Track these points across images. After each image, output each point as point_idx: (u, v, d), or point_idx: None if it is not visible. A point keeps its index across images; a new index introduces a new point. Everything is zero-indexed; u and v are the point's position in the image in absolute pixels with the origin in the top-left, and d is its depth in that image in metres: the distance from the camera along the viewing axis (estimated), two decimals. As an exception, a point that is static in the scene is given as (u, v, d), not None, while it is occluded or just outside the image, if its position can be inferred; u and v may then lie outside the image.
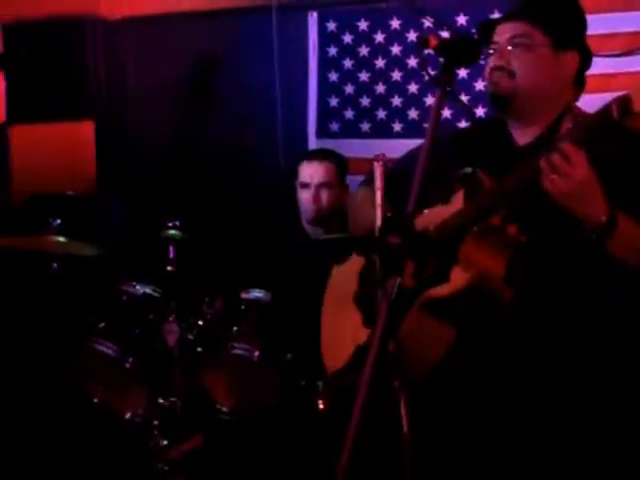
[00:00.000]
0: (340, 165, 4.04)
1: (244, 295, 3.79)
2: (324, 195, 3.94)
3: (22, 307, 4.27)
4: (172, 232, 3.91)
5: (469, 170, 2.51)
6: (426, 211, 2.51)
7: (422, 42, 2.12)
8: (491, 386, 2.52)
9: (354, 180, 3.78)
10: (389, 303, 1.98)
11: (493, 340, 2.50)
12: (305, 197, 3.96)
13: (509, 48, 2.51)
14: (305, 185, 3.96)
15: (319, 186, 3.94)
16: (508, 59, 2.51)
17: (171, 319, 3.77)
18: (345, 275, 2.80)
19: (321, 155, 4.06)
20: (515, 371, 2.50)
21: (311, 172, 3.96)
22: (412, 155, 2.81)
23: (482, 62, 2.46)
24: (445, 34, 4.54)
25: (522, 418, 2.47)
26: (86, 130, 5.41)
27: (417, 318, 2.44)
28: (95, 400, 3.81)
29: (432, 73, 2.17)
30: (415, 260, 2.31)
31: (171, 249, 3.89)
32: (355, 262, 2.76)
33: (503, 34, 2.54)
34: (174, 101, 5.19)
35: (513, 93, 2.51)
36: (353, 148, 4.85)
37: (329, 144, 4.80)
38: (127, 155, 5.47)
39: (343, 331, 2.71)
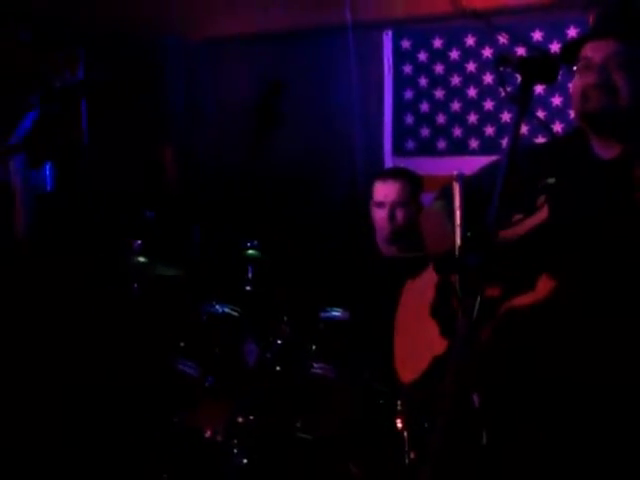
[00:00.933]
0: (414, 183, 4.04)
1: (322, 314, 3.80)
2: (399, 214, 3.93)
3: (104, 327, 4.34)
4: (251, 252, 3.95)
5: (552, 180, 2.50)
6: (508, 225, 2.50)
7: (500, 60, 2.11)
8: (578, 391, 2.48)
9: (430, 198, 3.78)
10: (470, 321, 1.97)
11: (577, 346, 2.46)
12: (380, 216, 3.96)
13: (608, 65, 2.48)
14: (380, 204, 3.96)
15: (394, 205, 3.94)
16: (607, 76, 2.48)
17: (250, 338, 3.80)
18: (420, 286, 2.80)
19: (395, 174, 4.06)
20: (600, 375, 2.45)
21: (386, 191, 3.96)
22: (488, 171, 2.80)
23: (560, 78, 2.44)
24: (521, 50, 4.54)
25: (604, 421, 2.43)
26: (165, 152, 5.50)
27: (499, 327, 2.43)
28: (175, 419, 3.85)
29: (509, 90, 2.16)
30: (498, 274, 2.30)
31: (250, 269, 3.93)
32: (430, 273, 2.76)
33: (598, 51, 2.50)
34: (252, 122, 5.23)
35: (613, 110, 2.47)
36: (429, 166, 4.84)
37: (405, 162, 4.80)
38: (205, 176, 5.54)
39: (419, 342, 2.71)
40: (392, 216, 3.92)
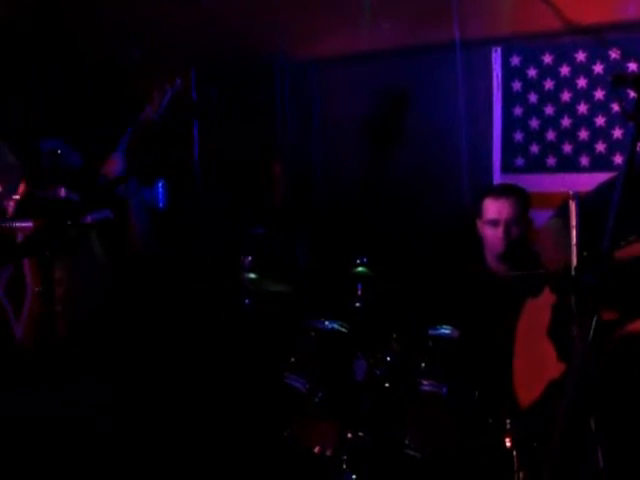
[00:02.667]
0: (524, 200, 4.02)
1: (431, 331, 3.81)
2: (513, 231, 3.92)
3: (216, 341, 4.41)
4: (360, 269, 3.99)
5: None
6: (623, 246, 2.47)
7: (617, 80, 2.09)
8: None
9: (540, 216, 3.76)
10: (586, 343, 1.96)
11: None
12: (493, 234, 3.95)
13: None
14: (493, 222, 3.94)
15: (508, 222, 3.92)
16: None
17: (359, 355, 3.83)
18: (538, 306, 2.77)
19: (507, 191, 4.05)
20: None
21: (499, 209, 3.95)
22: (603, 190, 2.78)
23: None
24: (633, 66, 4.46)
25: None
26: (274, 169, 5.58)
27: (616, 352, 2.40)
28: (285, 433, 3.89)
29: (624, 106, 2.14)
30: (614, 296, 2.27)
31: (359, 286, 3.96)
32: (548, 293, 2.74)
33: None
34: (360, 140, 5.28)
35: None
36: (538, 183, 4.81)
37: (514, 179, 4.78)
38: (313, 192, 5.60)
39: (536, 364, 2.69)
40: (506, 234, 3.91)
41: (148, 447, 3.70)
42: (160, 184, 5.25)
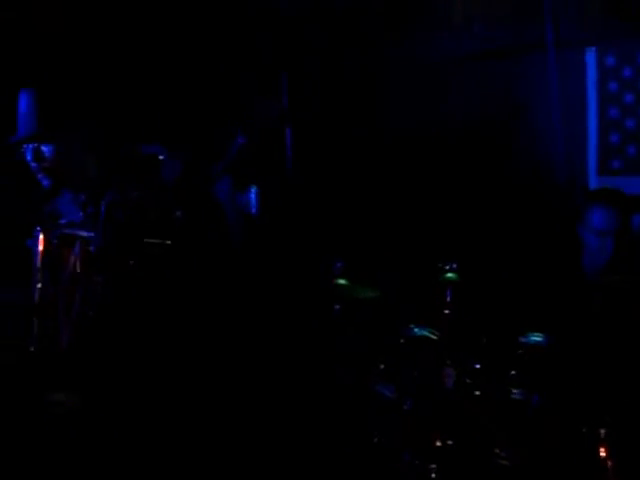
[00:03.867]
0: (630, 207, 3.95)
1: (522, 339, 3.75)
2: (620, 241, 3.85)
3: (305, 347, 4.42)
4: (449, 275, 3.95)
5: None
6: None
7: None
8: None
9: (637, 219, 3.69)
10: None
11: None
12: (599, 244, 3.88)
13: None
14: (600, 232, 3.87)
15: (616, 233, 3.85)
16: None
17: (448, 362, 3.79)
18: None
19: (615, 200, 3.95)
20: None
21: (607, 219, 3.89)
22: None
23: None
24: None
25: None
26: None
27: None
28: (375, 440, 3.88)
29: None
30: None
31: (448, 292, 3.93)
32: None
33: None
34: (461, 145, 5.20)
35: None
36: (636, 186, 4.69)
37: (610, 182, 4.67)
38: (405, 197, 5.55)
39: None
40: (614, 244, 3.84)
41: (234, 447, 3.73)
42: (253, 190, 5.30)
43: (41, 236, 3.24)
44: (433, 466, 3.69)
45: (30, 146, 3.34)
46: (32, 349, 3.19)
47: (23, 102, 3.49)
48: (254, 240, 4.96)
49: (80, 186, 3.49)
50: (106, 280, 3.14)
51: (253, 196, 5.30)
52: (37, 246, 3.26)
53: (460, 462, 3.71)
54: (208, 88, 5.45)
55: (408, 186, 5.41)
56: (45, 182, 3.45)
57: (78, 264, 3.18)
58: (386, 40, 5.49)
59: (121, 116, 4.96)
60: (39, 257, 3.23)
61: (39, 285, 3.18)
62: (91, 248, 3.18)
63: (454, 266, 3.95)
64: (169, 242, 3.40)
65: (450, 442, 3.72)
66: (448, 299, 3.94)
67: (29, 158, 3.39)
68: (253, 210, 5.32)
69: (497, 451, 3.68)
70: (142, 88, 5.28)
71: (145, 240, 3.31)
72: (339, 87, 5.60)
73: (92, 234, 3.22)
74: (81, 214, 3.45)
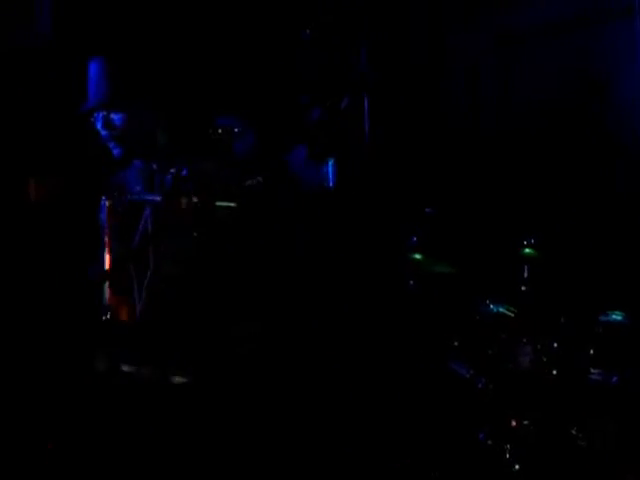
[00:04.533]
0: None
1: (602, 317, 3.63)
2: None
3: (378, 323, 4.36)
4: (527, 250, 3.84)
5: None
6: None
7: None
8: None
9: None
10: None
11: None
12: None
13: None
14: None
15: None
16: None
17: (525, 340, 3.69)
18: None
19: None
20: None
21: None
22: None
23: None
24: None
25: None
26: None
27: None
28: (448, 419, 3.81)
29: None
30: None
31: (526, 268, 3.82)
32: None
33: None
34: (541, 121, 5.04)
35: None
36: None
37: None
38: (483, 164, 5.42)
39: None
40: None
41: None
42: (330, 162, 5.23)
43: (107, 205, 3.23)
44: (508, 446, 3.61)
45: (101, 114, 3.32)
46: (104, 318, 3.18)
47: (93, 70, 3.48)
48: (329, 213, 4.91)
49: (150, 155, 3.46)
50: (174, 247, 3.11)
51: (330, 169, 5.24)
52: (104, 216, 3.25)
53: (536, 443, 3.62)
54: (284, 58, 5.39)
55: (487, 161, 5.29)
56: (116, 151, 3.43)
57: (148, 229, 3.16)
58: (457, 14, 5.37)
59: (195, 86, 4.94)
60: (107, 227, 3.23)
61: (107, 255, 3.17)
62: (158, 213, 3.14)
63: (532, 241, 3.83)
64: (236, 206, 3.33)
65: (526, 422, 3.64)
66: (525, 275, 3.82)
67: (99, 126, 3.37)
68: (330, 183, 5.26)
69: (574, 432, 3.58)
70: (217, 58, 5.25)
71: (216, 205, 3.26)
72: (412, 62, 5.50)
73: (158, 198, 3.19)
74: (149, 184, 3.42)
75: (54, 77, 4.87)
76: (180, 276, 3.05)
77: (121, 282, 3.11)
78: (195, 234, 3.04)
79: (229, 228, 3.14)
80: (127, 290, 3.09)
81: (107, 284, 3.20)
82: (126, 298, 3.09)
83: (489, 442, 3.66)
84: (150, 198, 3.18)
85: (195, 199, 3.06)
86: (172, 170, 3.31)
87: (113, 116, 3.27)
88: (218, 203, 3.19)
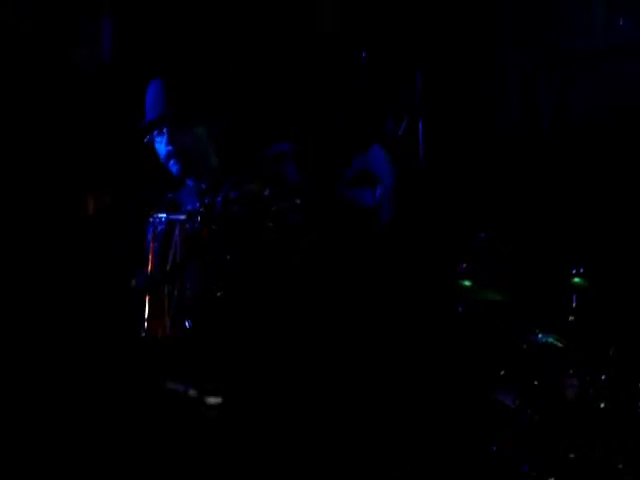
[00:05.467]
0: None
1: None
2: None
3: (425, 347, 4.31)
4: (576, 280, 3.76)
5: None
6: None
7: None
8: None
9: None
10: None
11: None
12: None
13: None
14: None
15: None
16: None
17: (571, 371, 3.61)
18: None
19: None
20: None
21: None
22: None
23: None
24: None
25: None
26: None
27: None
28: (493, 449, 3.74)
29: None
30: None
31: (574, 298, 3.74)
32: None
33: None
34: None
35: None
36: None
37: None
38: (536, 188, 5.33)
39: None
40: None
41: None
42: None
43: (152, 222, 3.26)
44: (552, 479, 3.54)
45: (165, 130, 3.36)
46: (142, 335, 3.21)
47: (152, 91, 3.53)
48: (380, 237, 4.88)
49: (202, 175, 3.49)
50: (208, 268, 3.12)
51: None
52: (150, 233, 3.29)
53: (581, 477, 3.54)
54: (342, 82, 5.40)
55: (536, 185, 5.21)
56: (174, 168, 3.47)
57: (178, 249, 3.18)
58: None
59: (251, 109, 4.97)
60: (150, 244, 3.27)
61: (148, 271, 3.21)
62: (188, 229, 3.16)
63: (582, 270, 3.75)
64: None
65: (572, 456, 3.56)
66: (574, 305, 3.75)
67: (164, 142, 3.40)
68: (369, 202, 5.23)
69: (621, 467, 3.49)
70: (275, 81, 5.28)
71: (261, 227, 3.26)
72: (467, 81, 5.46)
73: (183, 217, 3.21)
74: (198, 204, 3.45)
75: (113, 95, 4.96)
76: (208, 296, 3.06)
77: (156, 299, 3.14)
78: (226, 255, 3.04)
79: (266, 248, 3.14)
80: (160, 307, 3.12)
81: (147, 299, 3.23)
82: (159, 314, 3.11)
83: (533, 474, 3.59)
84: (176, 218, 3.20)
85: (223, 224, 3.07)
86: (221, 191, 3.33)
87: (176, 132, 3.30)
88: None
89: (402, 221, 5.22)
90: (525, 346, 3.83)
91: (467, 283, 4.18)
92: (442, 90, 5.39)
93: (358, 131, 4.95)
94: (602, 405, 3.59)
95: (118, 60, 5.27)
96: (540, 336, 3.82)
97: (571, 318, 3.75)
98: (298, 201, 3.27)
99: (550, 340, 3.80)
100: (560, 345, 3.77)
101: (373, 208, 4.79)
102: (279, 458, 3.18)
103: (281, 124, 5.28)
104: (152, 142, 3.51)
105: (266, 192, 3.41)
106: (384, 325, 4.16)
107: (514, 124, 5.37)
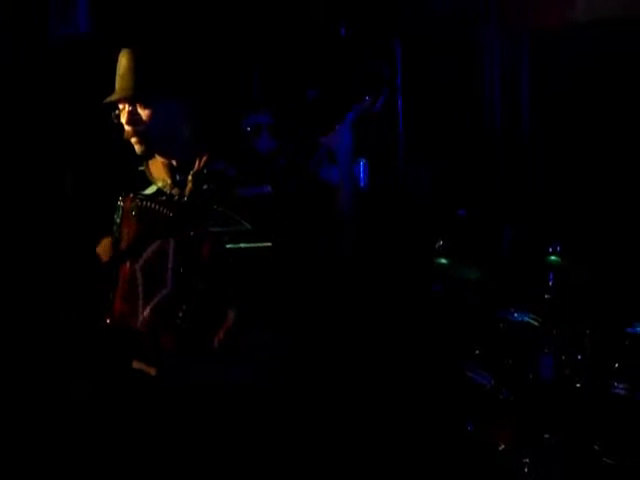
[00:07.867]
0: None
1: (629, 329, 3.51)
2: None
3: (401, 327, 4.27)
4: (552, 258, 3.72)
5: None
6: None
7: None
8: None
9: None
10: None
11: None
12: None
13: None
14: None
15: None
16: None
17: (547, 351, 3.57)
18: None
19: None
20: None
21: None
22: None
23: None
24: None
25: None
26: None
27: None
28: (469, 428, 3.71)
29: None
30: None
31: (550, 276, 3.70)
32: None
33: None
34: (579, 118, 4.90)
35: None
36: None
37: None
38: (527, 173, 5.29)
39: None
40: None
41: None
42: (362, 162, 5.15)
43: (122, 204, 3.13)
44: (526, 460, 3.51)
45: (127, 108, 3.25)
46: (107, 322, 3.08)
47: (121, 64, 3.43)
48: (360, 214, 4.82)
49: (171, 153, 3.39)
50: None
51: (362, 169, 5.16)
52: (119, 216, 3.15)
53: (556, 457, 3.51)
54: (320, 56, 5.33)
55: (514, 162, 5.17)
56: (137, 147, 3.36)
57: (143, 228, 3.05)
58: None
59: (224, 81, 4.88)
60: (120, 228, 3.12)
61: (118, 257, 3.08)
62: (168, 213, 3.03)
63: (558, 248, 3.70)
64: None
65: (546, 435, 3.53)
66: (550, 283, 3.70)
67: (124, 121, 3.30)
68: (361, 184, 5.17)
69: (597, 447, 3.46)
70: (249, 52, 5.21)
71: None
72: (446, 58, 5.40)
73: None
74: (169, 181, 3.34)
75: (88, 67, 4.86)
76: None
77: (129, 289, 3.00)
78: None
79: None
80: (133, 299, 2.97)
81: (117, 289, 3.10)
82: (131, 306, 2.97)
83: (509, 454, 3.56)
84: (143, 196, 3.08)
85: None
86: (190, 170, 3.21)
87: (139, 111, 3.18)
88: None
89: (379, 200, 5.18)
90: (501, 325, 3.79)
91: (444, 261, 4.14)
92: (421, 66, 5.34)
93: (334, 106, 4.86)
94: (578, 385, 3.56)
95: (93, 33, 5.19)
96: (516, 315, 3.78)
97: (547, 296, 3.70)
98: (268, 188, 3.17)
99: (526, 319, 3.76)
100: (536, 324, 3.73)
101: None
102: (277, 458, 3.12)
103: (258, 97, 5.21)
104: (118, 118, 3.39)
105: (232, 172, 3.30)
106: (360, 305, 4.11)
107: (493, 100, 5.33)
